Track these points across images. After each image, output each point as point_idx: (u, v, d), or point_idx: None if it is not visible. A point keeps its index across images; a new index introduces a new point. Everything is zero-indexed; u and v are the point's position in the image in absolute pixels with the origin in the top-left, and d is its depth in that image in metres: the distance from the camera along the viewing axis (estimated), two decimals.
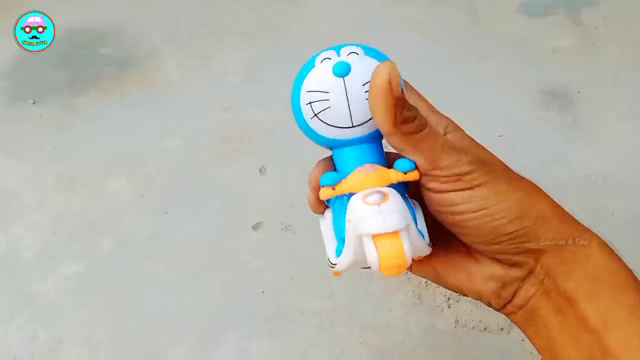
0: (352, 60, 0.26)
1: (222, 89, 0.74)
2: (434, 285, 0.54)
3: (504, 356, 0.50)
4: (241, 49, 0.79)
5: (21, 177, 0.65)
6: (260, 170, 0.64)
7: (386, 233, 0.24)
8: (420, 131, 0.26)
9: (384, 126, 0.25)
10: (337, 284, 0.54)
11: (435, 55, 0.77)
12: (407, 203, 0.27)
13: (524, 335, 0.29)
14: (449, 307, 0.53)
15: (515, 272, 0.27)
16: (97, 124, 0.71)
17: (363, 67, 0.26)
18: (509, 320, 0.51)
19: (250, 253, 0.57)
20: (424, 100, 0.30)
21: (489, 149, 0.29)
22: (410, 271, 0.31)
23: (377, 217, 0.24)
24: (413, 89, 0.30)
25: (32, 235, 0.59)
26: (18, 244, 0.59)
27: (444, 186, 0.26)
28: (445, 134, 0.28)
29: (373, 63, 0.26)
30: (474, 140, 0.29)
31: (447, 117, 0.29)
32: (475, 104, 0.72)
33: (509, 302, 0.28)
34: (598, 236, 0.27)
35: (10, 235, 0.59)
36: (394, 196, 0.25)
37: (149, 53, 0.80)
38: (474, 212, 0.25)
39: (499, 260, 0.27)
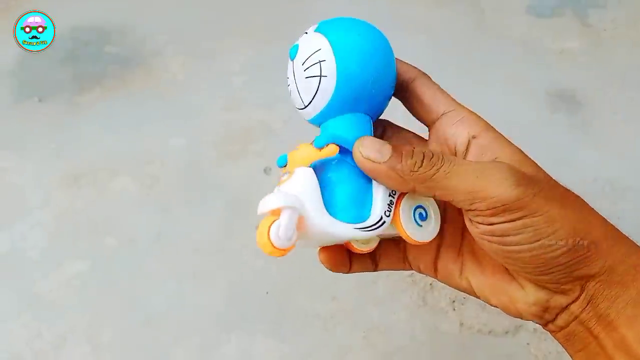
0: (300, 40, 0.27)
1: (227, 88, 0.74)
2: (439, 287, 0.53)
3: (508, 359, 0.49)
4: (246, 48, 0.79)
5: (26, 175, 0.65)
6: (265, 171, 0.64)
7: (263, 214, 0.24)
8: (437, 169, 0.24)
9: (398, 187, 0.25)
10: (342, 286, 0.54)
11: (441, 56, 0.77)
12: (348, 184, 0.26)
13: (529, 338, 0.28)
14: (454, 309, 0.52)
15: (561, 299, 0.26)
16: (101, 122, 0.71)
17: (304, 46, 0.27)
18: (514, 324, 0.51)
19: (254, 253, 0.57)
20: (443, 92, 0.29)
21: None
22: (451, 285, 0.30)
23: (264, 198, 0.24)
24: (431, 82, 0.29)
25: (36, 234, 0.59)
26: (23, 243, 0.59)
27: (492, 219, 0.24)
28: (473, 137, 0.27)
29: (317, 39, 0.27)
30: (508, 142, 0.28)
31: (470, 112, 0.29)
32: (482, 106, 0.71)
33: (551, 322, 0.27)
34: None
35: (15, 234, 0.59)
36: (295, 177, 0.25)
37: (154, 52, 0.79)
38: (529, 244, 0.24)
39: (545, 287, 0.26)
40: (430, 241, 0.27)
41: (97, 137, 0.69)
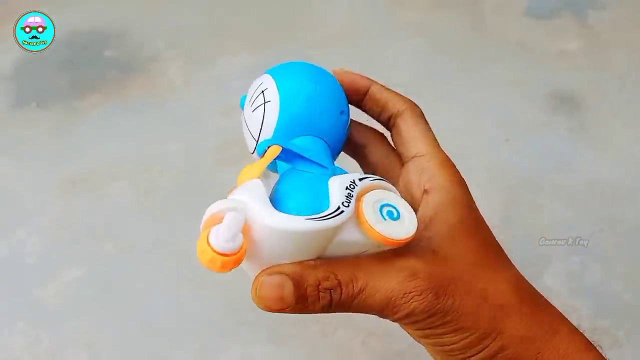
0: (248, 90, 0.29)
1: (225, 93, 0.74)
2: None
3: None
4: (244, 52, 0.79)
5: (23, 181, 0.65)
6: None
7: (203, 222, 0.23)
8: (349, 305, 0.24)
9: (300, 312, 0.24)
10: None
11: (441, 59, 0.77)
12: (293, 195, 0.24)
13: None
14: None
15: None
16: (99, 127, 0.71)
17: (250, 89, 0.29)
18: None
19: None
20: (424, 130, 0.28)
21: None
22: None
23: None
24: (415, 117, 0.29)
25: (34, 240, 0.59)
26: (21, 249, 0.58)
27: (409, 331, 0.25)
28: (425, 192, 0.26)
29: (259, 78, 0.28)
30: (454, 202, 0.26)
31: (439, 159, 0.27)
32: (482, 108, 0.71)
33: None
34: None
35: (13, 240, 0.59)
36: (240, 186, 0.24)
37: (152, 56, 0.79)
38: (450, 345, 0.24)
39: None
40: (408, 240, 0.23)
41: (95, 143, 0.69)
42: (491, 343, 0.24)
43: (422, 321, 0.23)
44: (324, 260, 0.24)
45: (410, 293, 0.23)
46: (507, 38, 0.81)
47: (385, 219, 0.23)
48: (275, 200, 0.23)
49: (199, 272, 0.57)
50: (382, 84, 0.30)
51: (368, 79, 0.30)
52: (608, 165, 0.64)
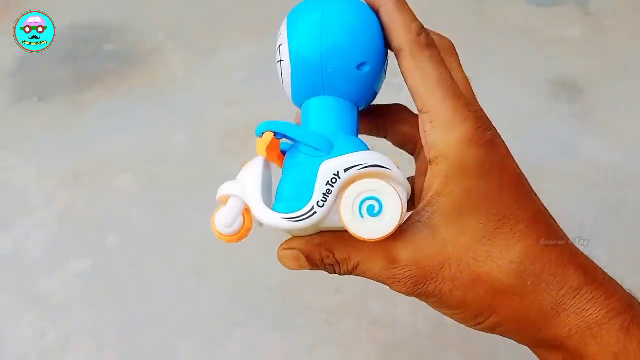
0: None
1: (227, 84, 0.74)
2: None
3: (512, 351, 0.49)
4: (246, 43, 0.79)
5: (27, 174, 0.65)
6: None
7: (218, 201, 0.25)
8: (339, 270, 0.26)
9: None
10: (345, 279, 0.54)
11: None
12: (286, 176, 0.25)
13: None
14: None
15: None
16: (102, 120, 0.71)
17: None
18: None
19: (256, 249, 0.57)
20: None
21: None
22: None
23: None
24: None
25: (39, 233, 0.59)
26: (25, 242, 0.59)
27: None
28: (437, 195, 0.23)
29: (282, 24, 0.27)
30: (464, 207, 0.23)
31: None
32: (483, 95, 0.70)
33: None
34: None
35: (17, 234, 0.59)
36: (247, 165, 0.26)
37: (153, 48, 0.79)
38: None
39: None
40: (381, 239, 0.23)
41: (97, 136, 0.69)
42: (486, 320, 0.24)
43: (411, 297, 0.24)
44: (325, 237, 0.25)
45: (390, 278, 0.24)
46: (508, 25, 0.80)
47: (362, 216, 0.23)
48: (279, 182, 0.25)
49: (203, 262, 0.58)
50: (399, 1, 0.24)
51: None
52: (611, 150, 0.64)
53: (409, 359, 0.50)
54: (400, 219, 0.23)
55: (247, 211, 0.24)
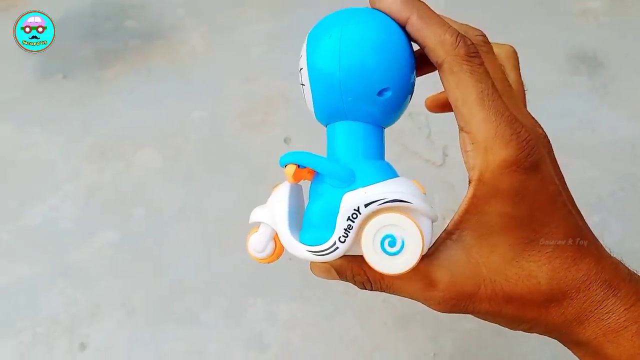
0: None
1: (246, 59, 0.75)
2: None
3: None
4: (265, 19, 0.79)
5: (54, 150, 0.67)
6: (285, 140, 0.65)
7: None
8: (370, 288, 0.26)
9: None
10: None
11: (459, 19, 0.76)
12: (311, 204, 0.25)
13: None
14: None
15: None
16: (124, 96, 0.72)
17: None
18: None
19: None
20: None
21: None
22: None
23: (254, 209, 0.26)
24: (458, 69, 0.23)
25: (67, 206, 0.62)
26: (55, 215, 0.61)
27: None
28: (478, 180, 0.23)
29: (304, 45, 0.25)
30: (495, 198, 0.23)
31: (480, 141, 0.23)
32: None
33: None
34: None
35: (47, 206, 0.62)
36: (275, 191, 0.26)
37: (173, 25, 0.80)
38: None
39: None
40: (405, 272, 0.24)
41: (121, 112, 0.71)
42: (518, 326, 0.26)
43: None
44: (357, 255, 0.25)
45: (428, 300, 0.25)
46: None
47: (383, 251, 0.23)
48: (305, 210, 0.26)
49: (226, 233, 0.60)
50: (425, 12, 0.23)
51: (409, 6, 0.23)
52: (630, 124, 0.64)
53: (424, 327, 0.52)
54: (421, 253, 0.23)
55: (277, 236, 0.25)
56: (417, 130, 0.64)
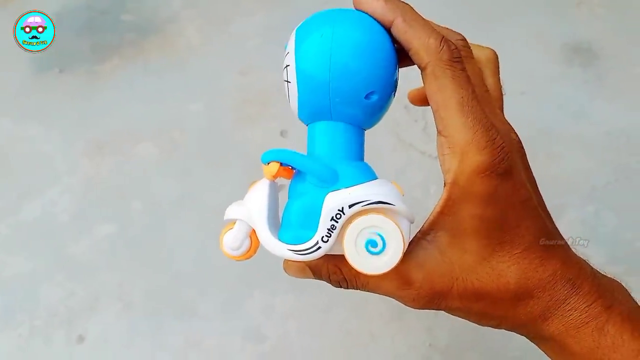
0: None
1: (242, 52, 0.75)
2: None
3: None
4: (260, 11, 0.79)
5: (52, 144, 0.67)
6: (281, 133, 0.65)
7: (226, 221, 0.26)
8: (346, 286, 0.26)
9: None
10: None
11: (457, 9, 0.76)
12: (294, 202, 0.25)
13: None
14: None
15: None
16: (121, 90, 0.72)
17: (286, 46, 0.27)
18: None
19: None
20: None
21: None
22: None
23: (229, 206, 0.26)
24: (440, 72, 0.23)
25: (65, 200, 0.62)
26: (53, 208, 0.61)
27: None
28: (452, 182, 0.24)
29: (290, 40, 0.25)
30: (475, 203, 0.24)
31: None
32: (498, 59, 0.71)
33: None
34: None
35: (45, 200, 0.62)
36: (253, 188, 0.26)
37: (169, 18, 0.80)
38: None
39: None
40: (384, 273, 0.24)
41: (117, 105, 0.71)
42: (487, 323, 0.27)
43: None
44: (334, 255, 0.25)
45: (403, 297, 0.26)
46: None
47: (365, 251, 0.24)
48: (285, 208, 0.26)
49: (223, 225, 0.59)
50: (410, 15, 0.24)
51: (394, 8, 0.24)
52: (625, 115, 0.64)
53: (420, 318, 0.52)
54: (402, 254, 0.24)
55: (253, 232, 0.25)
56: (413, 122, 0.64)
